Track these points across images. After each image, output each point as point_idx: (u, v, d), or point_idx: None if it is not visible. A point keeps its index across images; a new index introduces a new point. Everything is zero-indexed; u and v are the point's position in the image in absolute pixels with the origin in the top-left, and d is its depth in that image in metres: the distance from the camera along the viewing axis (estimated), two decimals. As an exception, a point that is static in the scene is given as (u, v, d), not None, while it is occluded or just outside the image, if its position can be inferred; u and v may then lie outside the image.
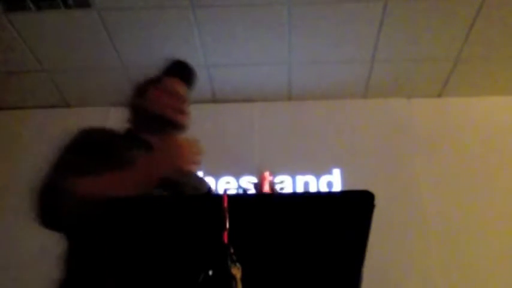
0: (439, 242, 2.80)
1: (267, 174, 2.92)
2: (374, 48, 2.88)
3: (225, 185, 3.01)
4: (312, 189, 2.97)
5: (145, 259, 0.87)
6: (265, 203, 0.88)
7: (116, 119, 3.72)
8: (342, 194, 1.09)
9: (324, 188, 2.98)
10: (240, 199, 0.86)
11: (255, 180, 2.97)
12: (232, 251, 0.79)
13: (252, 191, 2.90)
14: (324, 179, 3.02)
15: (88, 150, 1.36)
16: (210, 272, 0.79)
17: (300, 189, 2.96)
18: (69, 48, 2.89)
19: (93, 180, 1.18)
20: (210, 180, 3.09)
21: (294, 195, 0.93)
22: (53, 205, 1.23)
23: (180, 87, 1.61)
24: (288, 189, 2.96)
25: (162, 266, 0.86)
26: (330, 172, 3.03)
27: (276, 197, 0.90)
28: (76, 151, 1.38)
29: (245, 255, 0.80)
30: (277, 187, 2.93)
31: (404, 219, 2.84)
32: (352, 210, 0.87)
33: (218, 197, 0.83)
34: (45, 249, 2.85)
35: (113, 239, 0.90)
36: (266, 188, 2.84)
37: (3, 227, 2.95)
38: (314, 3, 2.59)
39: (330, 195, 0.98)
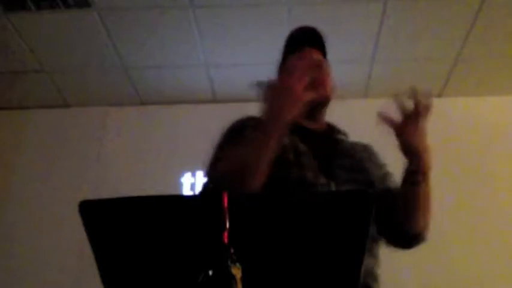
0: (439, 242, 2.80)
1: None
2: (374, 48, 2.88)
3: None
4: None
5: (144, 259, 0.87)
6: (266, 202, 0.88)
7: (116, 119, 3.72)
8: (342, 193, 1.09)
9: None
10: (240, 199, 0.86)
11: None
12: (232, 251, 0.79)
13: None
14: (324, 178, 3.01)
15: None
16: (210, 272, 0.79)
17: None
18: (69, 48, 2.89)
19: (227, 155, 1.15)
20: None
21: (294, 195, 0.92)
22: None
23: (318, 57, 1.44)
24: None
25: (161, 266, 0.86)
26: (330, 172, 3.03)
27: (276, 197, 0.90)
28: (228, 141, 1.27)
29: (245, 255, 0.80)
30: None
31: (404, 219, 2.84)
32: (351, 210, 0.87)
33: (218, 197, 0.83)
34: (45, 247, 2.86)
35: (113, 239, 0.90)
36: None
37: (4, 226, 2.95)
38: (314, 3, 2.59)
39: (329, 195, 0.98)
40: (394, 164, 3.14)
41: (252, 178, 1.09)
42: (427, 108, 1.28)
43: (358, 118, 3.26)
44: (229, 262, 0.79)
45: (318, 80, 1.36)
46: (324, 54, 1.49)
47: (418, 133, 1.30)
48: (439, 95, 3.28)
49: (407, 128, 1.31)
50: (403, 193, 1.30)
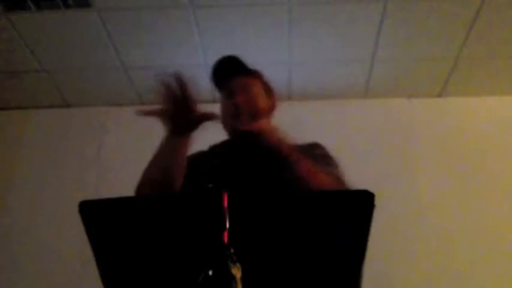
0: (439, 242, 2.80)
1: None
2: (374, 48, 2.88)
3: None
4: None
5: (144, 259, 0.87)
6: (266, 202, 0.88)
7: (116, 119, 3.72)
8: (342, 194, 1.09)
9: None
10: (240, 199, 0.86)
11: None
12: (232, 251, 0.79)
13: None
14: (324, 178, 3.01)
15: None
16: (210, 272, 0.79)
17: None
18: (69, 48, 2.89)
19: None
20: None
21: (294, 195, 0.93)
22: None
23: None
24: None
25: (162, 266, 0.86)
26: (330, 172, 3.03)
27: (276, 197, 0.90)
28: None
29: (245, 255, 0.80)
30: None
31: (404, 219, 2.84)
32: (352, 210, 0.87)
33: (218, 197, 0.83)
34: (45, 247, 2.86)
35: (113, 239, 0.89)
36: None
37: (4, 226, 2.95)
38: (314, 3, 2.59)
39: (330, 195, 0.98)
40: (392, 162, 3.13)
41: (156, 178, 1.34)
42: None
43: (358, 118, 3.27)
44: (229, 262, 0.79)
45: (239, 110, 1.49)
46: (250, 73, 1.60)
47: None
48: (439, 95, 3.28)
49: None
50: None
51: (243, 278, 0.78)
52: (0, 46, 2.86)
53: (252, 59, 3.00)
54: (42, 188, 3.06)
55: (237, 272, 0.78)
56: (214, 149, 1.59)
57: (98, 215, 0.90)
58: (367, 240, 0.87)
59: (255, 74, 1.59)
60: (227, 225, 0.81)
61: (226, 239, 0.80)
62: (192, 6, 2.61)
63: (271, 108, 1.57)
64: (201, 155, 1.57)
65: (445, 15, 2.64)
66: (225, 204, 0.82)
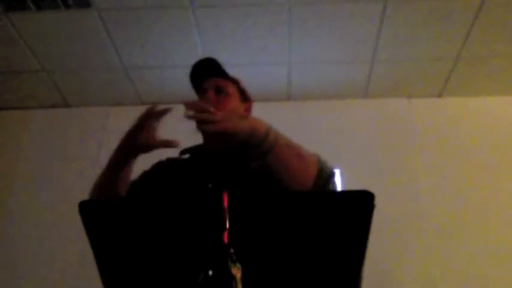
0: (439, 242, 2.80)
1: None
2: (374, 48, 2.88)
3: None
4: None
5: (144, 259, 0.87)
6: (266, 202, 0.88)
7: (116, 119, 3.72)
8: (342, 194, 1.09)
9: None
10: (240, 199, 0.86)
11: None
12: (232, 251, 0.79)
13: None
14: (324, 179, 3.01)
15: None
16: (210, 272, 0.79)
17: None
18: (69, 48, 2.89)
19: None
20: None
21: (294, 195, 0.92)
22: None
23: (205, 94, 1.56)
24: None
25: (161, 266, 0.86)
26: (329, 172, 3.02)
27: (277, 197, 0.90)
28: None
29: (245, 255, 0.80)
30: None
31: (404, 219, 2.84)
32: (352, 210, 0.87)
33: (218, 197, 0.83)
34: (45, 247, 2.86)
35: (112, 239, 0.90)
36: None
37: (4, 226, 2.95)
38: (314, 3, 2.59)
39: (330, 195, 0.98)
40: (392, 162, 3.13)
41: (103, 191, 1.51)
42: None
43: (358, 118, 3.27)
44: (229, 262, 0.79)
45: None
46: (227, 77, 1.60)
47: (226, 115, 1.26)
48: (439, 95, 3.28)
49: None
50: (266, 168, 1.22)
51: (243, 278, 0.78)
52: (0, 46, 2.86)
53: (252, 59, 3.03)
54: (42, 188, 3.06)
55: (237, 272, 0.78)
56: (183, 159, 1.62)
57: (97, 215, 0.90)
58: (367, 240, 0.87)
59: (231, 79, 1.59)
60: (227, 225, 0.81)
61: (226, 239, 0.80)
62: (192, 6, 2.61)
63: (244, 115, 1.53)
64: (169, 162, 1.62)
65: (445, 15, 2.64)
66: (225, 204, 0.82)
